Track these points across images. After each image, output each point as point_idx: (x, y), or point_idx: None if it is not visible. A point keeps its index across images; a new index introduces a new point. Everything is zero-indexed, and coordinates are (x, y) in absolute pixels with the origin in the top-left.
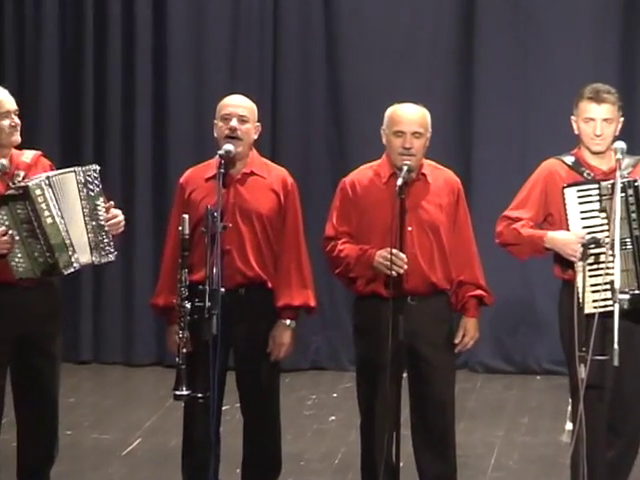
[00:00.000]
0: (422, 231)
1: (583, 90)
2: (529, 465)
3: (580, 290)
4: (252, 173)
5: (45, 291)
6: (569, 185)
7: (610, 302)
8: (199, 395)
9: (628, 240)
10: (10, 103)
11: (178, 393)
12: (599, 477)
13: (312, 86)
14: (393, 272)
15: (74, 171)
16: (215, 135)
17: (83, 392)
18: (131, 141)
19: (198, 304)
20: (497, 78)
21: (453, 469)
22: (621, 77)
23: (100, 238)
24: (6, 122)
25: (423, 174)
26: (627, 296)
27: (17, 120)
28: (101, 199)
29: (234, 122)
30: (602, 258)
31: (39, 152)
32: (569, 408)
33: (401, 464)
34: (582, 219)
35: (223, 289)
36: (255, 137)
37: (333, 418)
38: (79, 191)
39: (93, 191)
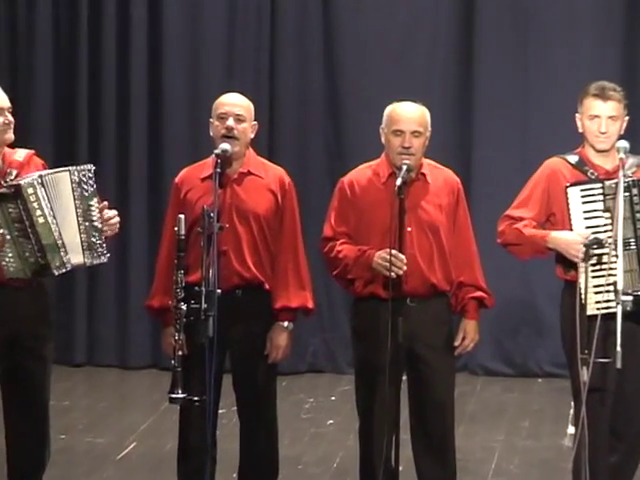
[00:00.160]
0: (421, 231)
1: (588, 87)
2: (530, 470)
3: (582, 291)
4: (249, 173)
5: (35, 292)
6: (572, 184)
7: (613, 303)
8: (195, 398)
9: (632, 240)
10: (3, 100)
11: (174, 396)
12: None
13: (310, 84)
14: (392, 273)
15: (69, 170)
16: (211, 134)
17: (77, 395)
18: (126, 141)
19: (194, 306)
20: (497, 78)
21: (453, 473)
22: (622, 77)
23: (93, 239)
24: None
25: (422, 174)
26: (630, 297)
27: (10, 118)
28: (95, 199)
29: (230, 121)
30: (605, 259)
31: (32, 151)
32: (571, 411)
33: (400, 468)
34: (585, 219)
35: (219, 290)
36: (252, 136)
37: (331, 422)
38: (73, 191)
39: (87, 191)
